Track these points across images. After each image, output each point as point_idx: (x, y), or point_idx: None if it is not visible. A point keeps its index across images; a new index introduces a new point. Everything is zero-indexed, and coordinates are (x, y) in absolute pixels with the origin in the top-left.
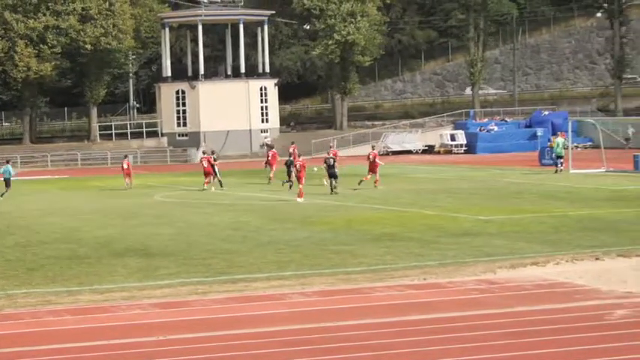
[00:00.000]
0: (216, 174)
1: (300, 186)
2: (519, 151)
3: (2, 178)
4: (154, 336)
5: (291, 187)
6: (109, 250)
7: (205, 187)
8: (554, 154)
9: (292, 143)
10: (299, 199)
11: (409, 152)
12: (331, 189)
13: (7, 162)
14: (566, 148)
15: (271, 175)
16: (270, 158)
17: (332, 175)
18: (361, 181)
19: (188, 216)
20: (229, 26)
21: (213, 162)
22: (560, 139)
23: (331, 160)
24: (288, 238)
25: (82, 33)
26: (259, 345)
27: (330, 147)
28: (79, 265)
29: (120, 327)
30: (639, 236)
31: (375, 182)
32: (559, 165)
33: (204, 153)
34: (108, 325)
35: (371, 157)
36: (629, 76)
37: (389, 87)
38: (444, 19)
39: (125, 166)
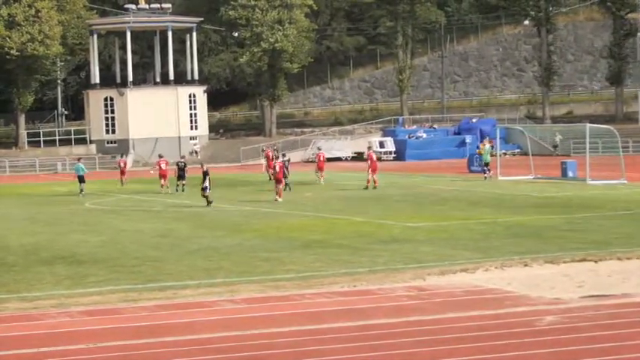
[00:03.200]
0: (183, 177)
1: (281, 186)
2: (448, 158)
3: (76, 177)
4: (83, 344)
5: (288, 186)
6: (38, 258)
7: (163, 190)
8: (482, 161)
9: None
10: (280, 199)
11: (338, 159)
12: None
13: (79, 160)
14: (493, 155)
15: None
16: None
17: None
18: (366, 187)
19: (117, 223)
20: (158, 33)
21: (183, 167)
22: (488, 146)
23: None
24: (218, 245)
25: (7, 39)
26: (188, 353)
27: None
28: (7, 273)
29: (48, 335)
30: (567, 243)
31: (374, 183)
32: (487, 172)
33: (160, 156)
34: (36, 333)
35: (371, 156)
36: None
37: (318, 94)
38: (372, 27)
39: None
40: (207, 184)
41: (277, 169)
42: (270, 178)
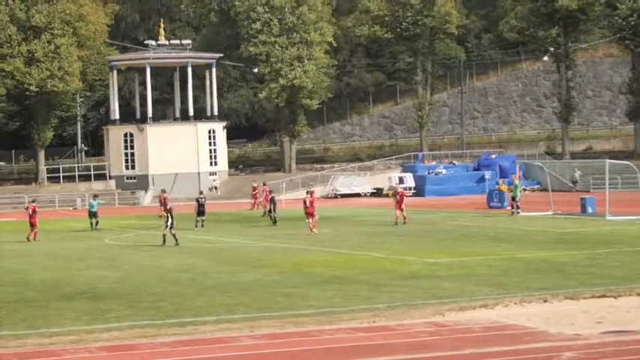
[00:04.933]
0: (203, 213)
1: (311, 220)
2: (467, 194)
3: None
4: None
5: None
6: (57, 293)
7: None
8: (515, 197)
9: (264, 184)
10: (315, 231)
11: (358, 195)
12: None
13: (95, 197)
14: (511, 190)
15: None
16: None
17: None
18: (396, 223)
19: (136, 259)
20: (178, 69)
21: (203, 203)
22: (517, 182)
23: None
24: (237, 280)
25: (27, 75)
26: None
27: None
28: (27, 309)
29: None
30: (586, 278)
31: (404, 219)
32: (517, 207)
33: (163, 191)
34: None
35: (398, 195)
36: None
37: (337, 130)
38: (391, 63)
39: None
40: (171, 221)
41: (308, 203)
42: (264, 214)
